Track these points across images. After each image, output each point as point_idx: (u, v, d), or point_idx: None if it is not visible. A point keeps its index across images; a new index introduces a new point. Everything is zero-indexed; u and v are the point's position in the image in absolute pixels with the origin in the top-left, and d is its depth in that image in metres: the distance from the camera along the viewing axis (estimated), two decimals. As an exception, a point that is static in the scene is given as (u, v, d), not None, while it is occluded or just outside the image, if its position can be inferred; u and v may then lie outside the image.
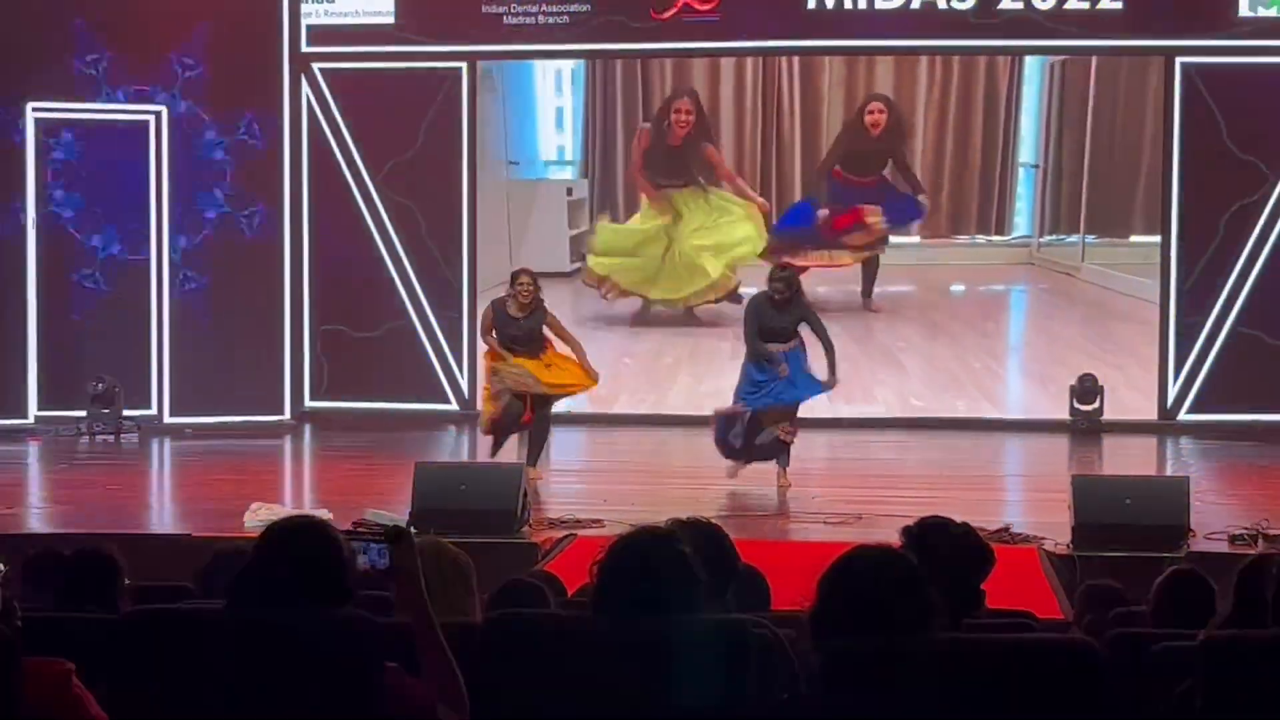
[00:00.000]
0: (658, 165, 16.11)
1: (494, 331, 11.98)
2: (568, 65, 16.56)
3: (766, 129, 16.65)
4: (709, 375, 15.26)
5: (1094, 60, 16.04)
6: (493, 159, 15.90)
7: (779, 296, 11.81)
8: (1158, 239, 15.24)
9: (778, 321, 11.88)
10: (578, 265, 16.35)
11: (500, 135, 15.80)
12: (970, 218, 16.65)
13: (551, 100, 16.78)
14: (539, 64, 16.58)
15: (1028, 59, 16.40)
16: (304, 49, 15.71)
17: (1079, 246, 16.39)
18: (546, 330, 11.98)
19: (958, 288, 16.39)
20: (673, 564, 3.81)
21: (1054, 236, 16.53)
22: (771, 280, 11.99)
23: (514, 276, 12.00)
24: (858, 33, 15.53)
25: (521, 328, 11.85)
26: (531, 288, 11.78)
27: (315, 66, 15.73)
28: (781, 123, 16.63)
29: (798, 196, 16.65)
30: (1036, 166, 16.60)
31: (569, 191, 16.55)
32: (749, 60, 16.54)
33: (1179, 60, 14.96)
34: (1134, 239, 15.93)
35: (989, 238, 16.68)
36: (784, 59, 16.41)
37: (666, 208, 16.13)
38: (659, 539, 3.91)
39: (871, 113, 16.08)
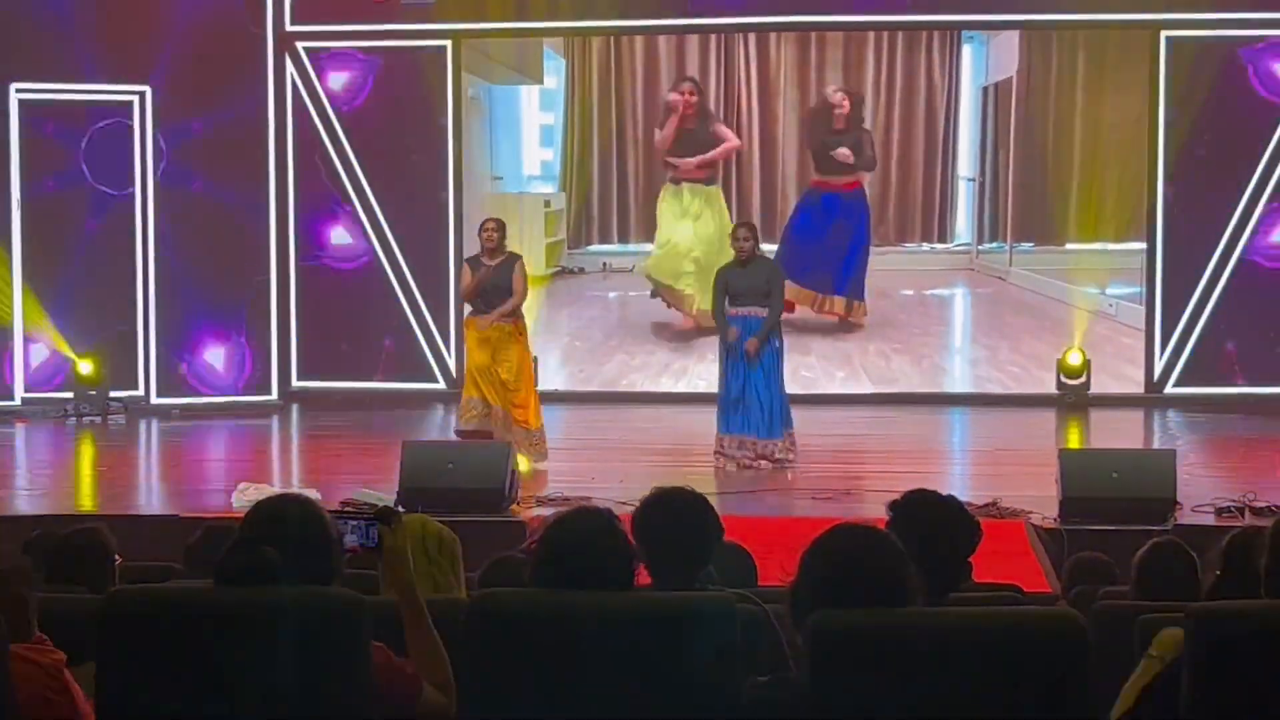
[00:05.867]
0: (678, 148, 16.65)
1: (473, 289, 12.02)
2: (552, 85, 17.29)
3: (727, 119, 17.19)
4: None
5: (1016, 79, 16.60)
6: (478, 174, 16.59)
7: (745, 246, 11.72)
8: (1090, 246, 16.32)
9: (745, 281, 11.68)
10: (554, 270, 17.16)
11: (485, 152, 16.51)
12: (915, 227, 17.45)
13: (537, 118, 17.67)
14: (524, 88, 17.36)
15: (964, 81, 17.27)
16: (288, 28, 15.68)
17: (1008, 253, 17.39)
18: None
19: (906, 292, 17.02)
20: (604, 542, 3.86)
21: (994, 244, 17.45)
22: (736, 239, 11.89)
23: (480, 226, 12.14)
24: (835, 6, 15.84)
25: (492, 279, 11.85)
26: (495, 234, 11.89)
27: (299, 45, 15.70)
28: (740, 121, 17.14)
29: (756, 180, 16.95)
30: (974, 180, 17.49)
31: (546, 204, 17.29)
32: (711, 55, 16.95)
33: (1163, 34, 15.00)
34: (1069, 245, 16.78)
35: (933, 245, 17.44)
36: (741, 51, 16.88)
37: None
38: (594, 517, 3.96)
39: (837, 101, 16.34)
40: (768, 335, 11.69)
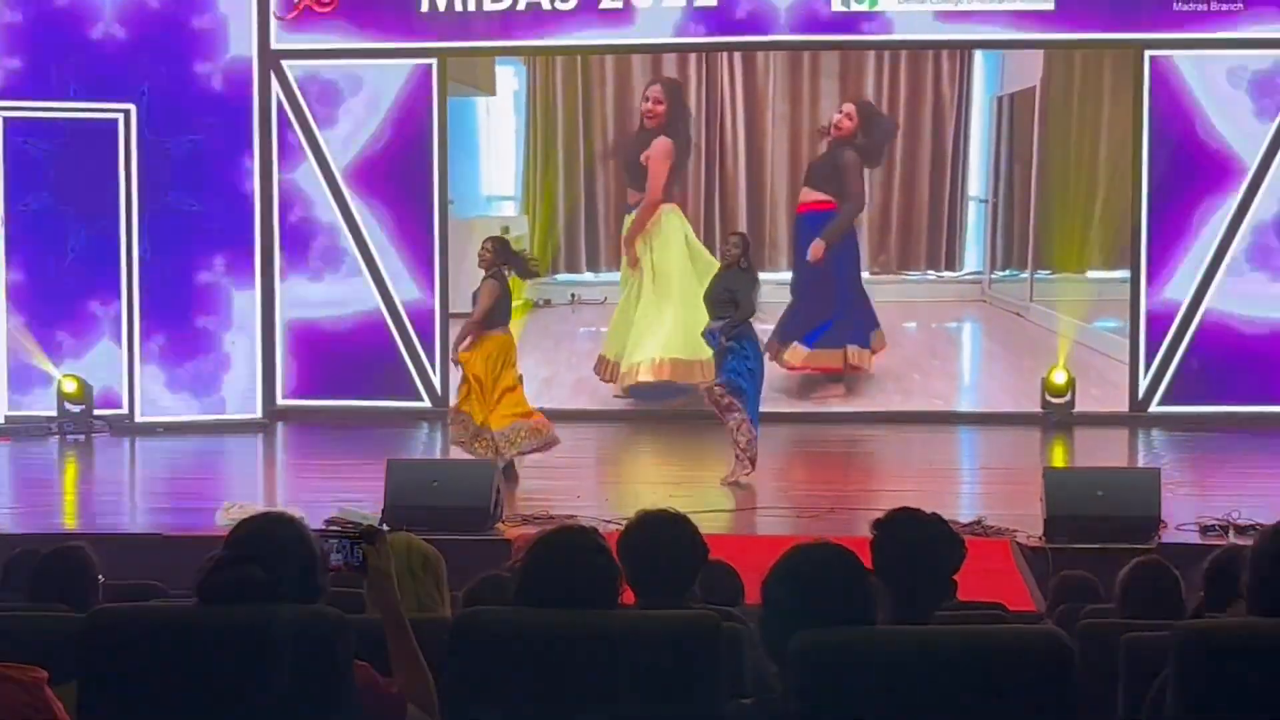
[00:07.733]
0: (628, 166, 15.98)
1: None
2: (510, 97, 16.34)
3: (709, 141, 16.14)
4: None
5: (1038, 90, 15.80)
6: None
7: (731, 253, 11.70)
8: (1116, 274, 15.38)
9: (709, 293, 11.77)
10: (515, 303, 16.06)
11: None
12: (920, 253, 16.21)
13: (509, 131, 16.39)
14: (481, 100, 16.37)
15: (975, 92, 16.15)
16: (273, 47, 15.67)
17: (1028, 283, 16.06)
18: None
19: (909, 325, 16.02)
20: (589, 560, 3.86)
21: (1007, 271, 16.20)
22: (730, 247, 11.85)
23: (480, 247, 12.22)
24: (812, 28, 15.44)
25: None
26: (487, 255, 11.94)
27: (284, 64, 15.69)
28: (724, 140, 16.13)
29: (742, 200, 16.07)
30: (986, 201, 16.19)
31: (505, 229, 15.52)
32: (691, 64, 16.05)
33: (1148, 53, 15.02)
34: (1090, 274, 15.66)
35: (939, 273, 16.23)
36: (725, 58, 16.00)
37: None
38: (579, 536, 3.97)
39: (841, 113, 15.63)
40: (733, 334, 11.56)
